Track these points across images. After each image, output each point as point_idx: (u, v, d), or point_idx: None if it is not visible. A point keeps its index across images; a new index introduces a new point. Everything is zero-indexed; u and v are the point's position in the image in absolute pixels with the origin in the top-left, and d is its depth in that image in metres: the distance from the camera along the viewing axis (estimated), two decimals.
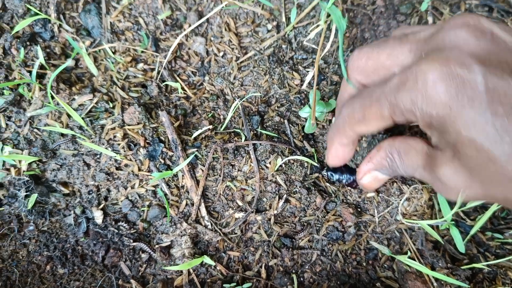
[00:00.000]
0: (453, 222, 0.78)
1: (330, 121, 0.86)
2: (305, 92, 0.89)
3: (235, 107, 0.81)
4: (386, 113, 0.51)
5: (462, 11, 0.92)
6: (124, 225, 0.78)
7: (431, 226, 0.79)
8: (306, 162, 0.83)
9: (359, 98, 0.57)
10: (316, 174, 0.84)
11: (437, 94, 0.44)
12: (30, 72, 0.80)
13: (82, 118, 0.76)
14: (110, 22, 0.88)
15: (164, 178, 0.79)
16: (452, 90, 0.43)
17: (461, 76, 0.43)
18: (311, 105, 0.77)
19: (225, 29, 0.90)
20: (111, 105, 0.80)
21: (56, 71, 0.74)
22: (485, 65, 0.42)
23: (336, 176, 0.79)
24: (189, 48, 0.91)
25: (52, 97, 0.77)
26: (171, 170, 0.78)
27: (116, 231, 0.78)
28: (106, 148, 0.76)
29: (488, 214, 0.79)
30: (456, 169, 0.48)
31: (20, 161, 0.77)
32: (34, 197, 0.75)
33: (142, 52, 0.89)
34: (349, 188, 0.82)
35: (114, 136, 0.78)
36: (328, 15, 0.83)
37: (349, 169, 0.78)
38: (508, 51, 0.45)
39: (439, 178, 0.51)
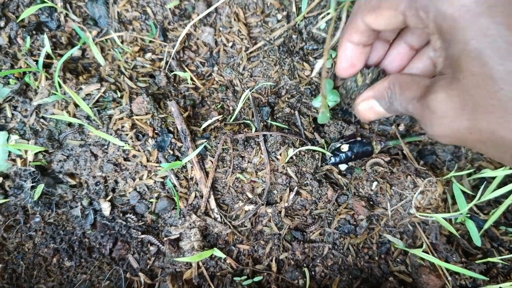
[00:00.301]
0: (468, 215, 0.77)
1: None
2: (315, 83, 0.87)
3: (245, 97, 0.79)
4: (402, 6, 0.49)
5: None
6: (132, 217, 0.77)
7: (446, 220, 0.78)
8: (317, 154, 0.82)
9: None
10: (327, 166, 0.83)
11: None
12: (36, 61, 0.79)
13: (90, 108, 0.74)
14: (118, 12, 0.87)
15: (173, 170, 0.77)
16: None
17: None
18: (323, 94, 0.76)
19: (234, 19, 0.88)
20: (119, 94, 0.78)
21: (63, 58, 0.73)
22: None
23: (338, 157, 0.80)
24: (197, 38, 0.89)
25: (60, 86, 0.75)
26: (180, 161, 0.76)
27: (124, 223, 0.77)
28: (114, 138, 0.74)
29: (502, 208, 0.78)
30: (450, 93, 0.45)
31: (26, 151, 0.75)
32: (40, 188, 0.73)
33: (150, 42, 0.87)
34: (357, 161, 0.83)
35: (122, 126, 0.76)
36: (338, 4, 0.81)
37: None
38: None
39: (429, 106, 0.48)
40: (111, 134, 0.76)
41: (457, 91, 0.44)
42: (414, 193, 0.78)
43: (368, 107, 0.62)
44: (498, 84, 0.40)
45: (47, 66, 0.80)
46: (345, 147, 0.80)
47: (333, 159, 0.81)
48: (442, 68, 0.49)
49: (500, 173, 0.77)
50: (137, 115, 0.78)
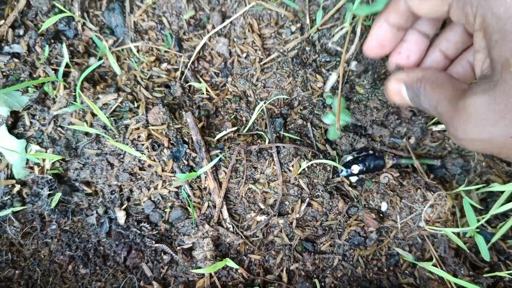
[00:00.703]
0: (477, 229, 0.78)
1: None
2: (328, 96, 0.88)
3: (259, 109, 0.80)
4: None
5: None
6: (147, 226, 0.78)
7: (454, 234, 0.79)
8: (329, 166, 0.83)
9: None
10: (339, 179, 0.84)
11: None
12: (54, 70, 0.80)
13: (107, 118, 0.76)
14: (134, 21, 0.88)
15: (187, 180, 0.78)
16: None
17: None
18: (335, 112, 0.77)
19: (249, 30, 0.89)
20: (135, 105, 0.80)
21: (86, 72, 0.74)
22: None
23: (350, 170, 0.81)
24: (212, 49, 0.90)
25: (78, 96, 0.76)
26: (195, 171, 0.78)
27: (138, 232, 0.78)
28: (130, 148, 0.75)
29: (510, 221, 0.79)
30: (493, 95, 0.43)
31: (43, 160, 0.76)
32: (57, 196, 0.75)
33: (166, 52, 0.88)
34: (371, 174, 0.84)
35: (138, 136, 0.78)
36: (354, 17, 0.82)
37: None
38: None
39: (466, 108, 0.46)
40: (127, 144, 0.77)
41: (502, 94, 0.42)
42: (424, 207, 0.79)
43: (397, 88, 0.59)
44: None
45: (65, 75, 0.81)
46: (355, 168, 0.81)
47: (344, 172, 0.82)
48: (483, 71, 0.48)
49: (509, 188, 0.78)
50: (153, 125, 0.79)
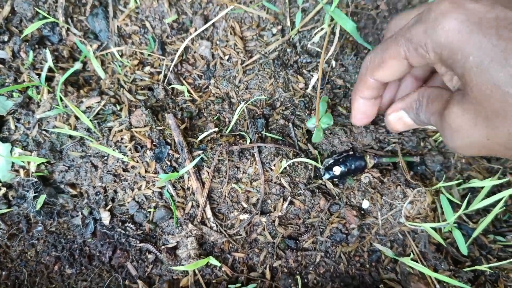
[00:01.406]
0: (455, 224, 0.79)
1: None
2: (309, 96, 0.90)
3: (240, 110, 0.82)
4: (402, 51, 0.53)
5: None
6: (131, 226, 0.79)
7: (434, 229, 0.80)
8: (310, 164, 0.84)
9: (380, 44, 0.59)
10: (320, 181, 0.85)
11: (447, 21, 0.46)
12: (38, 74, 0.82)
13: (90, 121, 0.77)
14: (117, 26, 0.89)
15: (170, 180, 0.80)
16: (461, 16, 0.46)
17: (471, 7, 0.46)
18: (316, 113, 0.78)
19: (231, 33, 0.91)
20: (118, 107, 0.81)
21: (65, 75, 0.75)
22: (495, 1, 0.46)
23: (332, 172, 0.82)
24: (195, 52, 0.92)
25: (61, 99, 0.78)
26: (178, 172, 0.79)
27: (123, 232, 0.79)
28: (113, 150, 0.77)
29: (490, 216, 0.80)
30: (464, 107, 0.49)
31: (29, 163, 0.78)
32: (42, 198, 0.76)
33: (149, 55, 0.90)
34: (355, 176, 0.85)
35: (122, 138, 0.79)
36: (332, 19, 0.84)
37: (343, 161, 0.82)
38: None
39: (446, 121, 0.52)
40: (110, 146, 0.78)
41: (469, 104, 0.48)
42: (404, 203, 0.81)
43: (397, 118, 0.66)
44: (503, 89, 0.43)
45: (49, 80, 0.83)
46: (337, 170, 0.82)
47: (327, 175, 0.83)
48: (454, 86, 0.54)
49: (488, 183, 0.80)
50: (136, 127, 0.80)
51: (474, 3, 0.46)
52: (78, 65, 0.84)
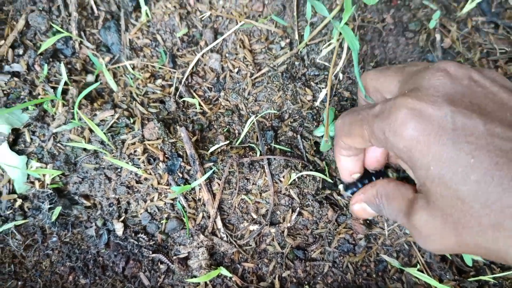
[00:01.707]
0: None
1: None
2: (317, 108, 0.92)
3: (250, 123, 0.84)
4: (366, 135, 0.54)
5: (469, 28, 0.95)
6: (144, 236, 0.81)
7: None
8: (319, 176, 0.86)
9: (351, 113, 0.59)
10: (329, 191, 0.87)
11: (405, 128, 0.45)
12: (53, 87, 0.83)
13: (104, 134, 0.79)
14: (129, 39, 0.91)
15: (182, 192, 0.82)
16: (420, 125, 0.45)
17: (430, 113, 0.44)
18: (325, 124, 0.80)
19: (240, 46, 0.93)
20: (131, 120, 0.83)
21: (84, 92, 0.77)
22: (455, 106, 0.44)
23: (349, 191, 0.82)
24: (205, 64, 0.94)
25: (76, 113, 0.80)
26: (189, 184, 0.81)
27: (135, 242, 0.81)
28: (127, 163, 0.79)
29: None
30: (430, 213, 0.48)
31: (44, 175, 0.79)
32: (58, 209, 0.78)
33: (160, 68, 0.92)
34: None
35: (135, 151, 0.81)
36: (340, 33, 0.86)
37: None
38: (483, 95, 0.47)
39: (414, 225, 0.51)
40: (124, 159, 0.80)
41: (435, 211, 0.47)
42: None
43: (361, 209, 0.67)
44: (467, 203, 0.42)
45: (63, 93, 0.85)
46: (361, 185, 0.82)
47: (349, 191, 0.82)
48: (418, 186, 0.52)
49: None
50: (148, 140, 0.82)
51: (434, 109, 0.44)
52: (95, 80, 0.86)
